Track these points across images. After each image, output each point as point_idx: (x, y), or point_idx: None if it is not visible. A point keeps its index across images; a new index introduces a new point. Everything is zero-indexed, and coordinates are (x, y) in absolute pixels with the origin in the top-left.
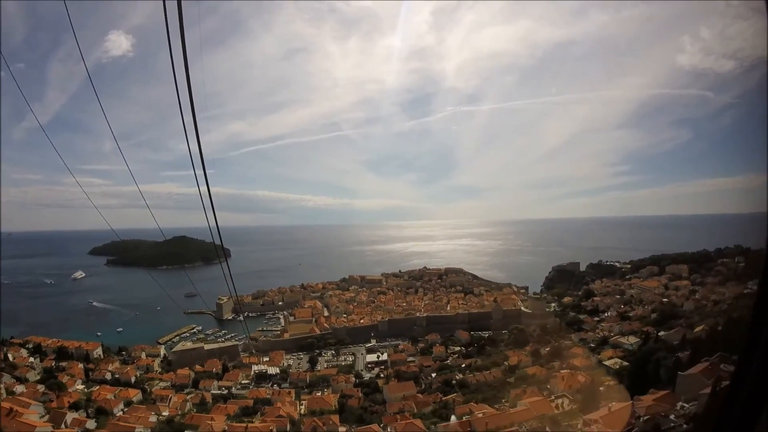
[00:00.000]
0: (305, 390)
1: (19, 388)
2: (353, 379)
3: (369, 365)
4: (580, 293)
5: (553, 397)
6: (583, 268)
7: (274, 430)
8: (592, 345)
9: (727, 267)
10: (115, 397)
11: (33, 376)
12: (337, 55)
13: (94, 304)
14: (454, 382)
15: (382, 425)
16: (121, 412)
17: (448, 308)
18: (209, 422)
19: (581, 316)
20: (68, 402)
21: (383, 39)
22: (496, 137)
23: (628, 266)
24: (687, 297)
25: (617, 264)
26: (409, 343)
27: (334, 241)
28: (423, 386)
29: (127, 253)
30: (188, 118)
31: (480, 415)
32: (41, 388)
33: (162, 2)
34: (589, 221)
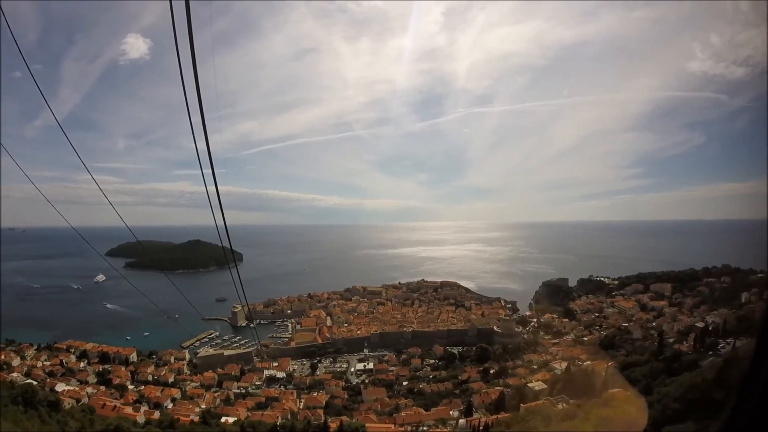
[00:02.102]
0: (305, 391)
1: (89, 390)
2: (342, 383)
3: (358, 372)
4: (561, 310)
5: (460, 408)
6: (574, 282)
7: (280, 418)
8: (535, 366)
9: (710, 287)
10: (161, 394)
11: (91, 379)
12: (348, 55)
13: (108, 306)
14: (416, 390)
15: (352, 418)
16: (171, 406)
17: (439, 321)
18: (236, 412)
19: (546, 337)
20: (132, 399)
21: (394, 39)
22: (507, 139)
23: (616, 282)
24: (642, 325)
25: (605, 280)
26: (394, 355)
27: (346, 245)
28: (394, 392)
29: (145, 255)
30: (198, 118)
31: (403, 414)
32: (103, 388)
33: (169, 3)
34: (599, 225)
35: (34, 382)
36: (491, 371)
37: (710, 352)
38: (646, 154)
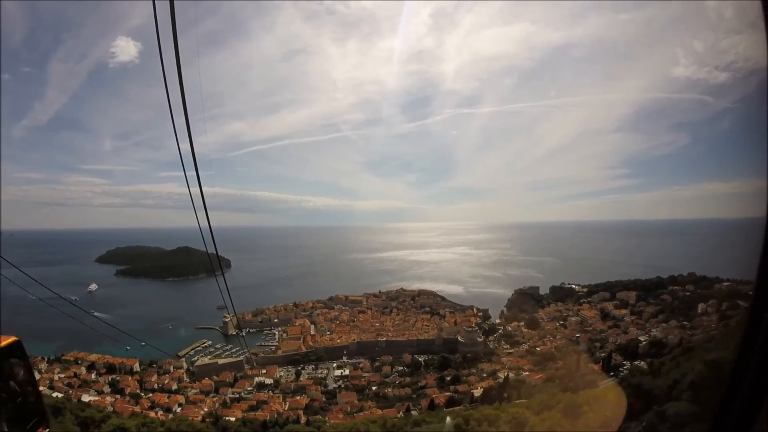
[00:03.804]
0: (289, 395)
1: (109, 399)
2: (321, 388)
3: (336, 378)
4: (527, 318)
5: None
6: (549, 287)
7: (268, 417)
8: (484, 375)
9: (673, 296)
10: (168, 400)
11: (106, 389)
12: (337, 56)
13: (96, 314)
14: (381, 394)
15: (325, 417)
16: (179, 410)
17: (414, 329)
18: (233, 414)
19: (505, 346)
20: (146, 405)
21: (382, 41)
22: (495, 139)
23: (585, 290)
24: (591, 337)
25: (576, 287)
26: (369, 362)
27: (334, 248)
28: (364, 395)
29: (135, 263)
30: (182, 120)
31: (361, 414)
32: (118, 397)
33: (152, 4)
34: (586, 226)
35: (61, 395)
36: (447, 378)
37: (612, 374)
38: (632, 154)
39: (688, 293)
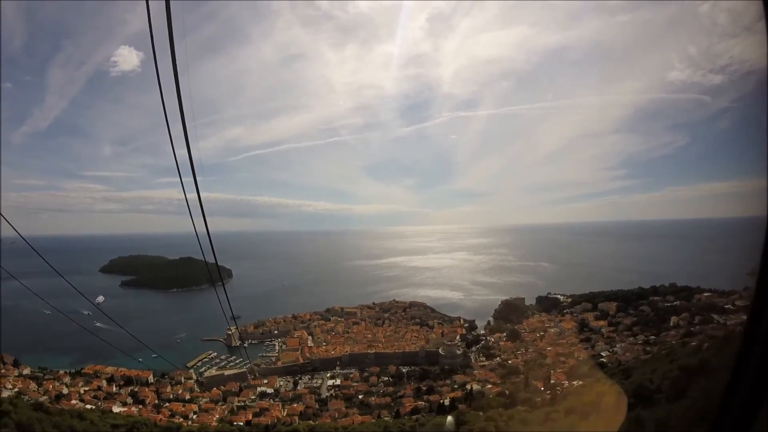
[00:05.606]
0: (288, 403)
1: (134, 409)
2: (315, 396)
3: (328, 387)
4: (509, 329)
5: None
6: (532, 300)
7: (270, 421)
8: (456, 386)
9: (651, 307)
10: (184, 408)
11: (128, 400)
12: (335, 61)
13: (98, 324)
14: (365, 402)
15: (315, 422)
16: (195, 417)
17: (403, 340)
18: (240, 420)
19: (481, 359)
20: (166, 414)
21: (380, 46)
22: (494, 142)
23: (569, 301)
24: (559, 351)
25: (560, 297)
26: (358, 373)
27: (335, 255)
28: (351, 404)
29: (139, 273)
30: (181, 125)
31: (343, 419)
32: (140, 407)
33: (147, 12)
34: (585, 227)
35: (92, 407)
36: (423, 389)
37: (548, 393)
38: (631, 155)
39: (667, 304)
